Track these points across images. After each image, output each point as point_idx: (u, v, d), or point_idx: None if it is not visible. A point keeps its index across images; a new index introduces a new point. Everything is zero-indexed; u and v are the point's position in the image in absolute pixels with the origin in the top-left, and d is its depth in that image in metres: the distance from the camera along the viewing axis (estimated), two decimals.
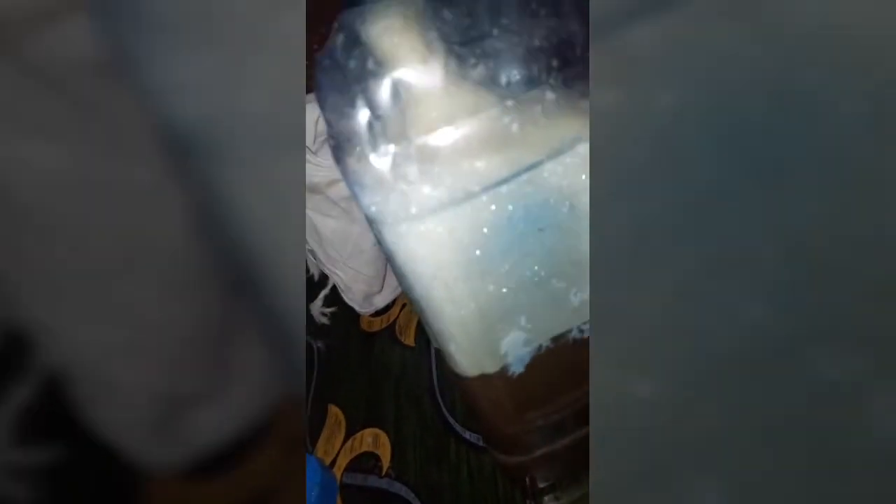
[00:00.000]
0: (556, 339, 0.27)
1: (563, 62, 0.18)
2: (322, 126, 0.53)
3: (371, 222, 0.24)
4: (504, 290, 0.24)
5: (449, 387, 0.44)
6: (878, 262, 0.17)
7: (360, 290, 0.50)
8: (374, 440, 0.43)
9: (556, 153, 0.20)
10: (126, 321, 0.25)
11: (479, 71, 0.17)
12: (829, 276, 0.17)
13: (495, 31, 0.16)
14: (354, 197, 0.22)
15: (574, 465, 0.35)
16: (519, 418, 0.30)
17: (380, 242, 0.26)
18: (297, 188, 0.25)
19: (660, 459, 0.16)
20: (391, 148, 0.18)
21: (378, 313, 0.53)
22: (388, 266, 0.51)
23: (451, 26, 0.16)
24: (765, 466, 0.16)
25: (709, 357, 0.17)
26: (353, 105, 0.18)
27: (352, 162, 0.19)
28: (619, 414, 0.16)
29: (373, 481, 0.41)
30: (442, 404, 0.43)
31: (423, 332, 0.50)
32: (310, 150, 0.42)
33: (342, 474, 0.42)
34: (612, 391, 0.17)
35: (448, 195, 0.20)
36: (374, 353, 0.50)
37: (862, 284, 0.17)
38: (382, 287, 0.51)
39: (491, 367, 0.27)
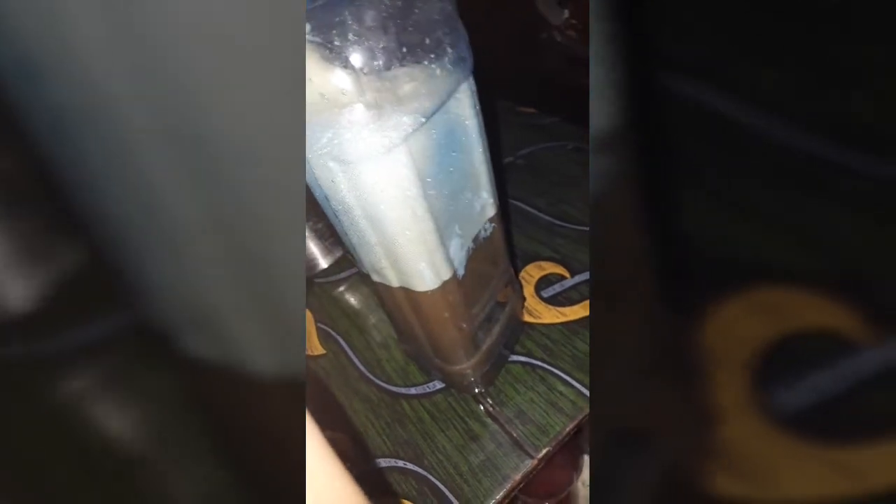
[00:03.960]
0: (475, 240, 0.38)
1: (450, 45, 0.30)
2: None
3: (324, 175, 0.31)
4: (443, 203, 0.34)
5: (378, 363, 0.50)
6: None
7: None
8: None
9: (454, 91, 0.32)
10: None
11: (417, 54, 0.28)
12: None
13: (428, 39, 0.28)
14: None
15: (501, 361, 0.46)
16: (468, 314, 0.39)
17: (329, 200, 0.33)
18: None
19: None
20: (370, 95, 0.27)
21: None
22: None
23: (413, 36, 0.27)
24: None
25: None
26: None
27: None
28: None
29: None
30: (382, 383, 0.49)
31: (329, 338, 0.55)
32: None
33: None
34: None
35: (411, 125, 0.29)
36: None
37: None
38: None
39: (446, 274, 0.36)
